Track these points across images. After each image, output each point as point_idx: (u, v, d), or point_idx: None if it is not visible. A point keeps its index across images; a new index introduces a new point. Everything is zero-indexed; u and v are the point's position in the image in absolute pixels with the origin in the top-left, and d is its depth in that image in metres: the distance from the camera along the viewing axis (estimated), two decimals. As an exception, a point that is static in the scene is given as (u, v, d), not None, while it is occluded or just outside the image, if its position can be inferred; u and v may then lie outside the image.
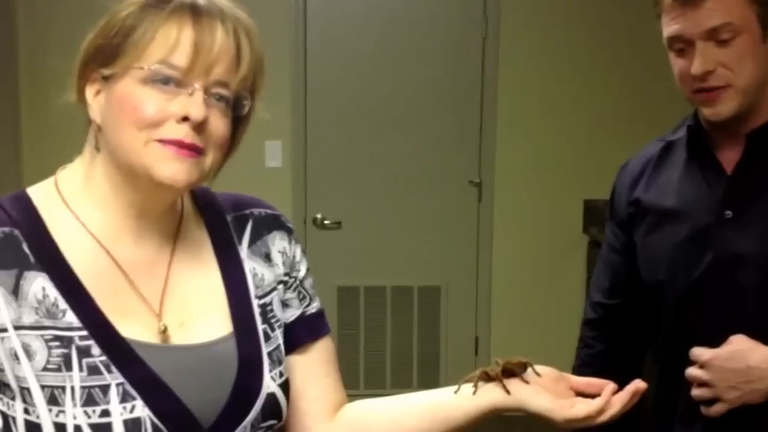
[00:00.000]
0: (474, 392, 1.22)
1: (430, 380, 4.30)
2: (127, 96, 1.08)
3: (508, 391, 1.20)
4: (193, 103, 1.07)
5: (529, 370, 1.22)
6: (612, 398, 1.19)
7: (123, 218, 1.14)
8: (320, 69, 4.30)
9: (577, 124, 4.36)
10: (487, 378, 1.22)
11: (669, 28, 1.61)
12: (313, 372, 1.27)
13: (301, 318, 1.27)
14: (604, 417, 1.19)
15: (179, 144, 1.08)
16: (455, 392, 1.24)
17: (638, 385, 1.20)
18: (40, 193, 1.15)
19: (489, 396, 1.21)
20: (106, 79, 1.10)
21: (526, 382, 1.21)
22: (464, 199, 4.39)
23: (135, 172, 1.10)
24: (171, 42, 1.07)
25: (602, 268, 1.90)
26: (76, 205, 1.14)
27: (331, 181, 4.38)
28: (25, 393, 1.05)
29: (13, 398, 1.06)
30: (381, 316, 4.45)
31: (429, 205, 4.39)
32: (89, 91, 1.11)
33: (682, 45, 1.60)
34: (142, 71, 1.07)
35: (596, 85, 4.36)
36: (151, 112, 1.07)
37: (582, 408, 1.19)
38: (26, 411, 1.05)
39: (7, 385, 1.06)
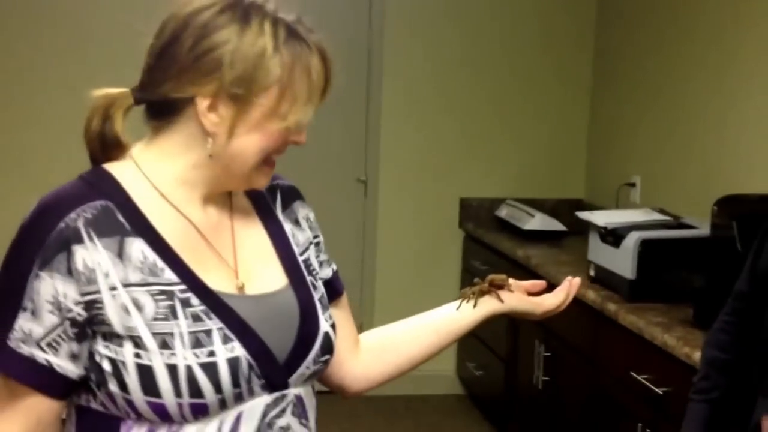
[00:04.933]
0: (474, 306, 1.49)
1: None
2: (268, 126, 1.22)
3: (502, 300, 1.49)
4: (305, 131, 1.27)
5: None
6: (568, 288, 1.52)
7: (197, 192, 1.27)
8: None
9: (453, 128, 4.62)
10: (481, 293, 1.49)
11: None
12: (342, 317, 1.45)
13: (334, 275, 1.46)
14: (567, 303, 1.52)
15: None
16: (457, 308, 1.49)
17: (576, 279, 1.53)
18: (119, 169, 1.25)
19: (486, 306, 1.49)
20: (234, 98, 1.19)
21: (511, 291, 1.51)
22: (352, 195, 4.64)
23: (236, 177, 1.26)
24: (314, 98, 1.25)
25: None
26: (156, 179, 1.24)
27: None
28: (137, 340, 1.16)
29: (120, 345, 1.16)
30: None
31: (321, 201, 4.54)
32: (203, 102, 1.20)
33: None
34: (287, 121, 1.22)
35: (471, 90, 4.59)
36: (286, 143, 1.26)
37: (552, 301, 1.52)
38: (137, 356, 1.16)
39: (114, 335, 1.16)
